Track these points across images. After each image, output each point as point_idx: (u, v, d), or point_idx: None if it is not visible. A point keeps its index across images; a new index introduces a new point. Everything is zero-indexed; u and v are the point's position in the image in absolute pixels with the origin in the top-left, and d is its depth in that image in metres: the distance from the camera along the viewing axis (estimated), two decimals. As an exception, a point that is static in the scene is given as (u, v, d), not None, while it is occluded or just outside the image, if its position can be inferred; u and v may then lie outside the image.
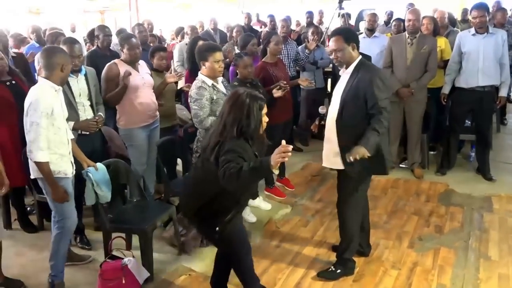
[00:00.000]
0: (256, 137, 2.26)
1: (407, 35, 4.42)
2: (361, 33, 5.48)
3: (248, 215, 3.82)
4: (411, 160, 4.71)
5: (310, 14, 7.29)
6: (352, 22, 7.81)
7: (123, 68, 3.41)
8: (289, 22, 5.87)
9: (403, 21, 4.92)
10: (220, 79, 3.24)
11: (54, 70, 2.65)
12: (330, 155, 2.88)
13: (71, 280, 3.01)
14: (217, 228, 2.25)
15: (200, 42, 4.09)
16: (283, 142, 2.00)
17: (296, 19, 9.16)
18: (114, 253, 2.88)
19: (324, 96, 5.73)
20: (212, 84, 3.10)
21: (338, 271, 2.98)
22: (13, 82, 3.51)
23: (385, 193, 4.32)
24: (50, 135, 2.61)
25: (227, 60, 5.20)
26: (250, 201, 4.03)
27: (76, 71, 3.12)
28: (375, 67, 2.85)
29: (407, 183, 4.53)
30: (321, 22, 7.87)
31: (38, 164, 2.59)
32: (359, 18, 7.73)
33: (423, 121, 4.62)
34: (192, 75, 3.94)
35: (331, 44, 2.77)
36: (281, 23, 5.18)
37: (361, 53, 4.55)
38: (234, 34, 5.64)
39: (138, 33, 4.69)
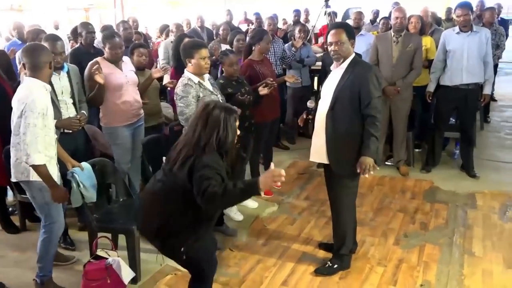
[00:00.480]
0: (230, 151, 2.23)
1: (392, 33, 4.45)
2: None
3: (235, 214, 3.81)
4: (396, 158, 4.74)
5: (297, 12, 7.29)
6: (338, 20, 7.84)
7: (105, 66, 3.35)
8: (276, 20, 5.86)
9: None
10: (207, 76, 3.21)
11: (43, 68, 2.56)
12: (319, 150, 2.89)
13: (55, 281, 2.96)
14: (182, 249, 2.14)
15: (186, 40, 4.07)
16: (272, 165, 1.98)
17: (283, 17, 9.16)
18: (99, 253, 2.83)
19: (310, 94, 5.74)
20: (199, 82, 3.07)
21: (335, 266, 3.00)
22: None
23: (371, 191, 4.34)
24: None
25: (213, 57, 5.18)
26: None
27: (58, 68, 3.05)
28: (370, 64, 2.85)
29: (392, 180, 4.57)
30: (307, 21, 7.89)
31: (36, 167, 2.48)
32: (345, 16, 7.79)
33: (408, 119, 4.66)
34: (177, 73, 3.90)
35: (332, 36, 2.76)
36: (268, 21, 5.18)
37: (357, 53, 4.62)
38: (220, 32, 5.60)
39: (123, 31, 4.63)
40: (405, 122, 4.61)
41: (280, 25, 8.38)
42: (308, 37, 6.24)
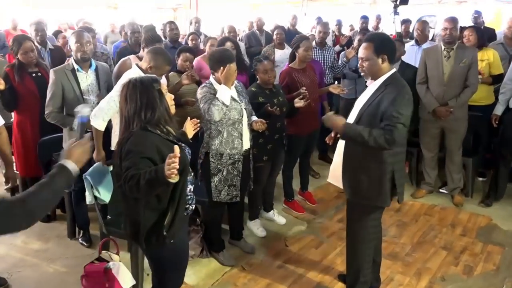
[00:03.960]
0: (168, 121, 2.03)
1: (442, 47, 3.92)
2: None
3: (258, 229, 3.61)
4: (451, 185, 4.20)
5: (364, 19, 6.88)
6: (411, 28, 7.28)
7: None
8: (327, 26, 5.45)
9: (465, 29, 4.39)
10: (234, 83, 3.04)
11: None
12: (336, 171, 2.63)
13: (62, 280, 3.01)
14: (165, 233, 1.99)
15: (228, 43, 3.94)
16: (175, 148, 1.71)
17: (354, 23, 8.77)
18: (102, 255, 2.80)
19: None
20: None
21: None
22: (39, 74, 3.58)
23: (416, 220, 3.89)
24: None
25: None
26: (264, 214, 3.83)
27: (85, 66, 3.10)
28: (403, 84, 2.44)
29: (443, 211, 4.05)
30: (377, 28, 7.45)
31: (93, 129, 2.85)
32: (418, 25, 7.20)
33: (471, 143, 4.11)
34: None
35: (360, 51, 2.48)
36: (319, 27, 4.87)
37: (407, 64, 4.15)
38: (274, 37, 5.41)
39: (169, 31, 4.65)
40: (460, 145, 4.05)
41: (347, 31, 8.03)
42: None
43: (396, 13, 6.04)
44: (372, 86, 2.49)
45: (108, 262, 2.74)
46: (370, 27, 7.58)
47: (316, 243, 3.50)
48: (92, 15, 11.75)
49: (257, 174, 3.42)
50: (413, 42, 4.84)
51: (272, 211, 3.83)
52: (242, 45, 5.60)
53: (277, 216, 3.82)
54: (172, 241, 2.04)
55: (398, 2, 5.87)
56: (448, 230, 3.72)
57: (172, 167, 1.66)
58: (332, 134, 2.79)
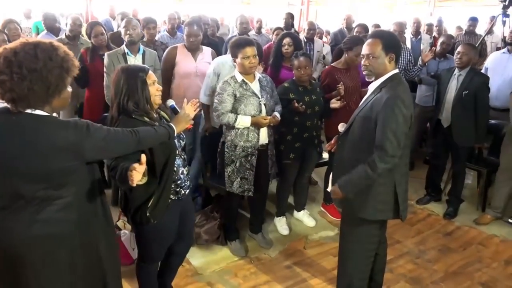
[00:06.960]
0: (147, 111, 2.09)
1: None
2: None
3: (281, 226, 3.57)
4: (521, 217, 3.61)
5: (473, 22, 6.16)
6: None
7: (181, 52, 3.54)
8: (404, 26, 4.95)
9: None
10: (258, 76, 3.04)
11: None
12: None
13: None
14: (148, 214, 2.11)
15: (287, 39, 3.92)
16: (143, 157, 1.70)
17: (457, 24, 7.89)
18: (118, 223, 3.09)
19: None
20: (242, 80, 2.95)
21: None
22: None
23: (464, 248, 3.44)
24: None
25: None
26: (294, 213, 3.76)
27: (134, 50, 3.41)
28: (401, 86, 2.22)
29: (503, 244, 3.50)
30: (490, 31, 6.58)
31: None
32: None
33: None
34: (271, 71, 3.87)
35: (364, 47, 2.29)
36: (393, 26, 4.52)
37: (476, 71, 3.70)
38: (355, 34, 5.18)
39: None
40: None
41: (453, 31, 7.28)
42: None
43: (505, 15, 5.26)
44: (371, 87, 2.31)
45: (120, 230, 3.03)
46: (482, 30, 6.76)
47: (336, 251, 3.29)
48: (226, 10, 12.52)
49: (283, 171, 3.40)
50: (505, 49, 4.20)
51: (303, 211, 3.75)
52: (319, 42, 5.48)
53: (307, 217, 3.73)
54: (155, 221, 2.15)
55: (507, 3, 5.10)
56: (498, 266, 3.21)
57: (133, 178, 1.69)
58: (332, 141, 2.62)
